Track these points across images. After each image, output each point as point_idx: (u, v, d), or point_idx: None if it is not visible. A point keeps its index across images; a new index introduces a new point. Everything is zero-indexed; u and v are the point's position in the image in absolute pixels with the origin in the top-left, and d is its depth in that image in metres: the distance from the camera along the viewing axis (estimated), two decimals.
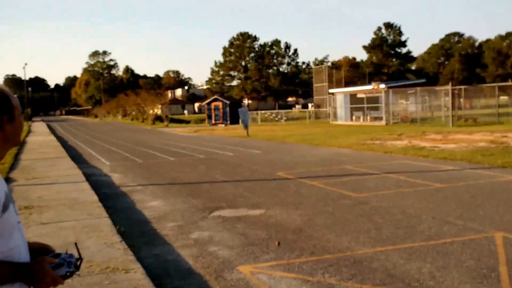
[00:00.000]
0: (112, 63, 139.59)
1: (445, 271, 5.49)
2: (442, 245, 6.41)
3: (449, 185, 10.64)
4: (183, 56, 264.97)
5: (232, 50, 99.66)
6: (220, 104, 53.71)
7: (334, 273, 5.56)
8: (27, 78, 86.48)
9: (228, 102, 53.89)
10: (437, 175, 12.19)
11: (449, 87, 33.50)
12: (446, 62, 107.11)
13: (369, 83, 73.43)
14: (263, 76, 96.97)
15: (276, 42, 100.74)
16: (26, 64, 75.05)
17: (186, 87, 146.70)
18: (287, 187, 11.20)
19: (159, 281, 5.45)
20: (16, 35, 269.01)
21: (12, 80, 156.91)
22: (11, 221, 2.05)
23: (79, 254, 2.20)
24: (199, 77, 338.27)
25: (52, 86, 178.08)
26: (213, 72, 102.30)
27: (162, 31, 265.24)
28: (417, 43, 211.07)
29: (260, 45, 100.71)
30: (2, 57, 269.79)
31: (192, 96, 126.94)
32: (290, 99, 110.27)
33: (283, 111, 60.81)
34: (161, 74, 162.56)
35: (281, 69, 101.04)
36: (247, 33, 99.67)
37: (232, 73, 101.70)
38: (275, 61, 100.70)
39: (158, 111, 63.49)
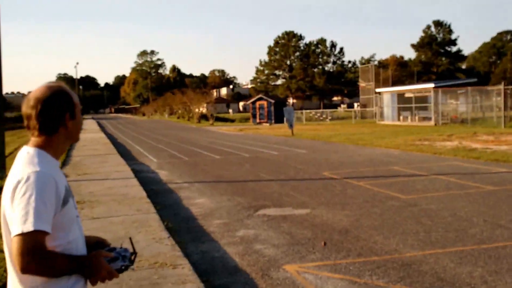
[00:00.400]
0: (159, 62, 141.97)
1: (498, 275, 5.33)
2: (494, 249, 6.23)
3: (501, 188, 10.31)
4: (229, 55, 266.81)
5: (277, 49, 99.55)
6: (265, 103, 53.76)
7: (381, 275, 5.48)
8: (78, 77, 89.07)
9: (272, 101, 53.90)
10: (489, 177, 11.83)
11: (501, 86, 32.45)
12: (498, 61, 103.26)
13: (418, 82, 71.85)
14: (308, 75, 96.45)
15: (322, 41, 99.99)
16: (77, 63, 77.52)
17: (231, 86, 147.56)
18: (333, 187, 11.12)
19: (206, 277, 5.51)
20: (68, 35, 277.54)
21: (64, 79, 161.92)
22: (70, 215, 2.12)
23: (134, 248, 2.25)
24: (244, 76, 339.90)
25: (102, 84, 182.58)
26: (258, 71, 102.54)
27: (208, 31, 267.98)
28: (468, 42, 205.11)
29: (306, 44, 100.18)
30: (55, 56, 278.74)
31: (237, 95, 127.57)
32: (335, 98, 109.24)
33: (328, 110, 60.34)
34: (206, 73, 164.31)
35: (326, 68, 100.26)
36: (292, 32, 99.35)
37: (277, 72, 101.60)
38: (320, 60, 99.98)
39: (203, 109, 64.13)
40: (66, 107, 2.15)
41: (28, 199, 1.91)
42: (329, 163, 15.54)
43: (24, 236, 1.87)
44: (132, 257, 2.23)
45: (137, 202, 9.43)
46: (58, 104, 2.12)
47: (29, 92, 2.16)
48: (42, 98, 2.09)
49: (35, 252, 1.88)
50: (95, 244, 2.30)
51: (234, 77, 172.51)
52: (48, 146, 2.12)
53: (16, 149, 24.20)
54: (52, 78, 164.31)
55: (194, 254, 6.45)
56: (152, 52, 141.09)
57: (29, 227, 1.88)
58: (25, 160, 2.05)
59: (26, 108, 2.11)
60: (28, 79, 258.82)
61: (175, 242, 6.62)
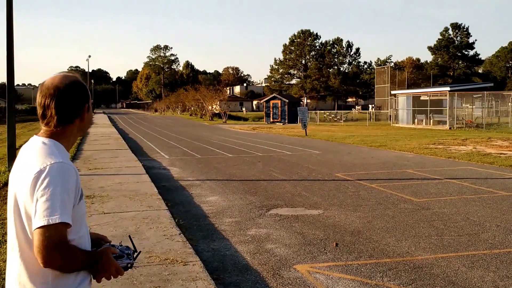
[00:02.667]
0: (172, 58, 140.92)
1: (509, 280, 5.29)
2: (506, 254, 6.18)
3: None
4: (243, 53, 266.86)
5: (292, 48, 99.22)
6: (278, 102, 53.67)
7: (393, 277, 5.45)
8: (90, 70, 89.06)
9: (287, 100, 53.82)
10: (503, 182, 11.71)
11: None
12: None
13: (433, 85, 71.22)
14: (323, 75, 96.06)
15: (338, 41, 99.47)
16: (89, 56, 77.29)
17: (244, 84, 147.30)
18: (346, 189, 11.07)
19: (217, 275, 5.51)
20: (81, 28, 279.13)
21: (76, 72, 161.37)
22: (83, 209, 2.10)
23: (134, 247, 2.22)
24: (258, 74, 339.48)
25: (114, 78, 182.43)
26: (272, 69, 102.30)
27: (223, 27, 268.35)
28: (485, 46, 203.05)
29: (321, 44, 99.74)
30: (67, 49, 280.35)
31: (251, 94, 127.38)
32: (350, 99, 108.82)
33: (342, 111, 60.13)
34: (220, 70, 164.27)
35: (341, 69, 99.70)
36: (308, 30, 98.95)
37: (291, 71, 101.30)
38: (336, 60, 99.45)
39: (216, 107, 64.14)
40: (84, 99, 2.13)
41: (53, 190, 1.87)
42: (343, 165, 15.48)
43: (50, 228, 1.83)
44: (135, 255, 2.20)
45: (148, 198, 9.46)
46: (78, 94, 2.09)
47: (44, 81, 2.10)
48: (62, 87, 2.04)
49: (60, 245, 1.86)
50: (95, 240, 2.23)
51: (248, 75, 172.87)
52: (62, 137, 2.08)
53: (26, 142, 24.35)
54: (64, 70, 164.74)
55: (205, 252, 6.45)
56: (166, 47, 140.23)
57: (55, 219, 1.84)
58: (42, 150, 1.99)
59: (43, 97, 2.04)
60: (39, 71, 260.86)
61: (186, 239, 6.63)
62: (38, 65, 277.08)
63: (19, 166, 2.04)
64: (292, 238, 7.08)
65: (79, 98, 2.09)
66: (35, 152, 2.00)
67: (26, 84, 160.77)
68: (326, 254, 6.31)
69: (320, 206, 9.21)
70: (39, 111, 2.05)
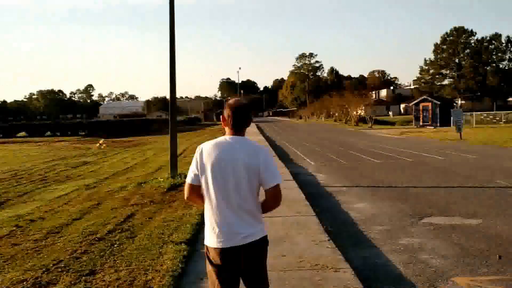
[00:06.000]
0: (317, 64, 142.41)
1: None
2: None
3: None
4: (390, 55, 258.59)
5: (444, 46, 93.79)
6: (429, 104, 51.19)
7: None
8: (240, 81, 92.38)
9: (438, 102, 51.12)
10: None
11: None
12: None
13: None
14: (479, 74, 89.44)
15: (496, 37, 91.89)
16: (240, 68, 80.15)
17: (391, 87, 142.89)
18: (509, 196, 10.12)
19: (368, 284, 5.33)
20: (230, 41, 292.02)
21: (227, 83, 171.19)
22: None
23: None
24: (406, 76, 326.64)
25: (261, 88, 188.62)
26: (422, 70, 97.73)
27: (368, 30, 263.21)
28: None
29: (477, 40, 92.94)
30: (217, 62, 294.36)
31: (398, 97, 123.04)
32: (511, 99, 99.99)
33: (502, 112, 55.43)
34: (366, 74, 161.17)
35: (501, 66, 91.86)
36: (462, 27, 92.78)
37: (443, 71, 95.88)
38: (494, 57, 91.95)
39: (361, 112, 63.05)
40: None
41: (274, 163, 3.18)
42: (504, 170, 14.21)
43: (279, 184, 3.12)
44: None
45: (296, 204, 9.52)
46: (251, 112, 3.27)
47: (233, 102, 3.22)
48: (248, 107, 3.21)
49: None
50: None
51: (395, 77, 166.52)
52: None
53: (185, 150, 26.01)
54: (216, 83, 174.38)
55: (355, 260, 6.28)
56: (311, 55, 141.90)
57: (281, 179, 3.15)
58: (255, 143, 3.17)
59: (237, 113, 3.13)
60: (193, 85, 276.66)
61: (335, 246, 6.52)
62: (191, 79, 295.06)
63: (239, 151, 3.06)
64: (448, 248, 6.63)
65: (251, 114, 3.24)
66: (250, 144, 3.13)
67: (183, 97, 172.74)
68: (488, 267, 5.79)
69: (479, 215, 8.52)
70: (231, 121, 3.13)
